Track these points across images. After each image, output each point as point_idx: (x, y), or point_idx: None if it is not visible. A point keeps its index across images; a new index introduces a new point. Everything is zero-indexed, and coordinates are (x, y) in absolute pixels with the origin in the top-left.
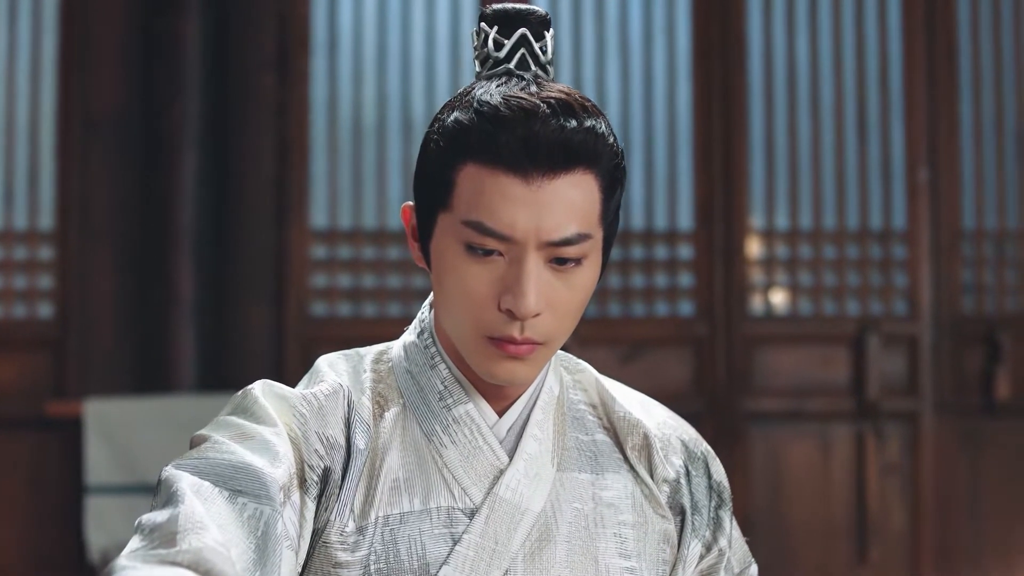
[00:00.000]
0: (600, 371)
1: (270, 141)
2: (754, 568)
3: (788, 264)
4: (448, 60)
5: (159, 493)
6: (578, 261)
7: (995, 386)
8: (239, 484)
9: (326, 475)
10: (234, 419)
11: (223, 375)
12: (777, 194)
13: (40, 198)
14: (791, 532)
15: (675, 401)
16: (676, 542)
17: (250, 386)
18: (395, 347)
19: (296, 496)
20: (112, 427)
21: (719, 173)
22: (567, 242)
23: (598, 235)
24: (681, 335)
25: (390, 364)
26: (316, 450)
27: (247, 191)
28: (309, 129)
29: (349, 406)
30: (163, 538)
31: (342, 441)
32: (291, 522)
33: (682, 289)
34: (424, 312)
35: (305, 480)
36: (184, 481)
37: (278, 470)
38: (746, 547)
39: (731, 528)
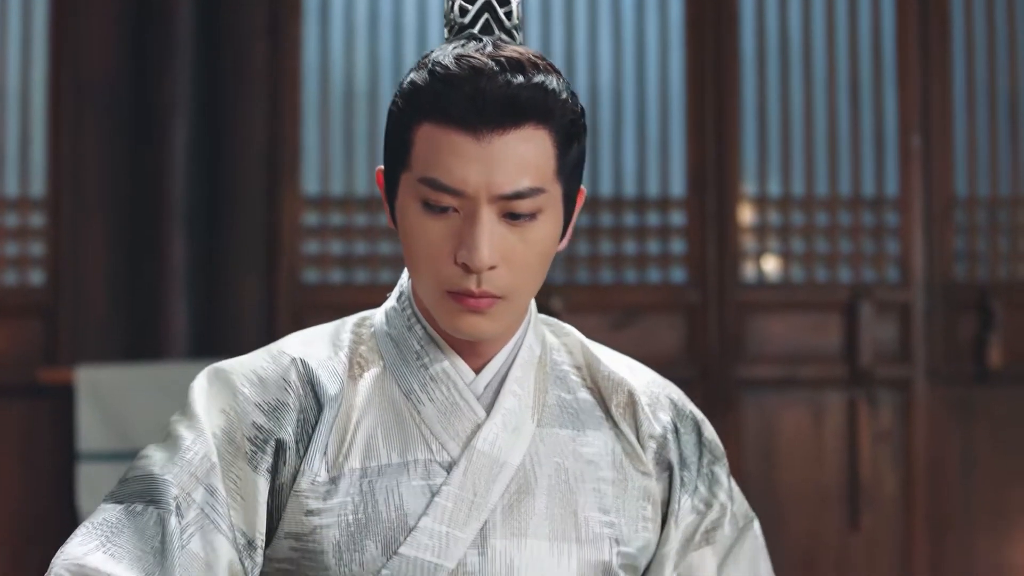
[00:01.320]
0: (591, 338)
1: (262, 108)
2: (756, 524)
3: (780, 231)
4: (440, 26)
5: (81, 524)
6: (533, 216)
7: (987, 353)
8: (145, 495)
9: (279, 444)
10: (172, 419)
11: (215, 341)
12: (769, 161)
13: (31, 165)
14: (783, 498)
15: (667, 368)
16: (661, 499)
17: (197, 377)
18: (378, 313)
19: (217, 478)
20: (104, 394)
21: (711, 140)
22: (519, 195)
23: (554, 190)
24: (673, 302)
25: (372, 329)
26: (254, 422)
27: (239, 158)
28: (301, 96)
29: (303, 366)
30: None
31: (289, 402)
32: (207, 505)
33: (674, 256)
34: (403, 277)
35: (249, 455)
36: (86, 525)
37: (175, 468)
38: (747, 503)
39: (729, 483)
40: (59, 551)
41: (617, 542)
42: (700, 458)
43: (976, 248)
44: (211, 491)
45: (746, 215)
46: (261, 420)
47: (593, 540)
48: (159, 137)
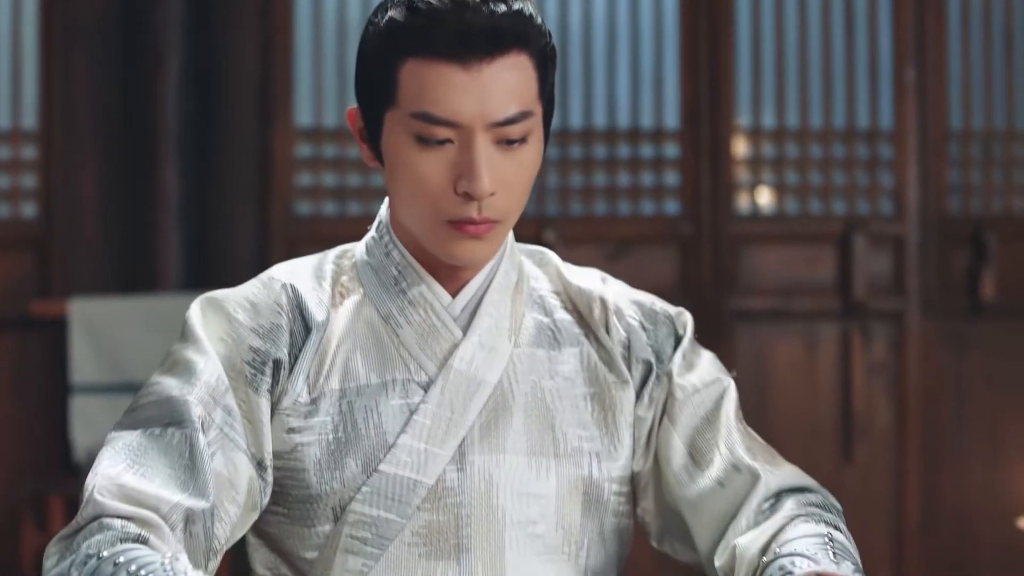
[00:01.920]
0: None
1: (254, 40)
2: (729, 383)
3: (774, 163)
4: None
5: (100, 453)
6: (523, 139)
7: (981, 286)
8: (164, 418)
9: (276, 364)
10: (174, 348)
11: (208, 273)
12: (764, 93)
13: (23, 97)
14: (776, 431)
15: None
16: (636, 398)
17: (191, 306)
18: (359, 245)
19: (231, 399)
20: (97, 326)
21: (705, 71)
22: (511, 121)
23: (538, 112)
24: (667, 234)
25: (353, 259)
26: (251, 346)
27: (231, 90)
28: (293, 27)
29: (293, 291)
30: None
31: (283, 324)
32: (226, 424)
33: (668, 188)
34: (381, 209)
35: (249, 378)
36: (107, 450)
37: (194, 389)
38: (717, 367)
39: (708, 364)
40: (92, 474)
41: (597, 456)
42: (674, 350)
43: (970, 181)
44: (228, 411)
45: (740, 147)
46: (257, 343)
47: (572, 454)
48: (151, 69)
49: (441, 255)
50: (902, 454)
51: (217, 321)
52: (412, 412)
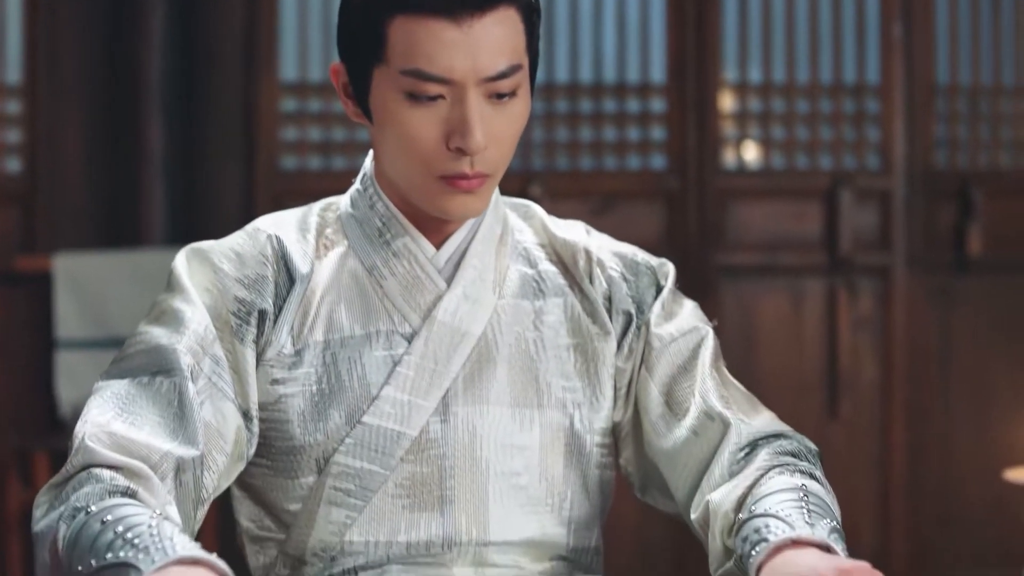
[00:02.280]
0: None
1: None
2: (707, 331)
3: (761, 118)
4: None
5: (88, 402)
6: (513, 93)
7: (967, 241)
8: (153, 366)
9: (262, 314)
10: (160, 298)
11: (193, 229)
12: (750, 47)
13: (7, 51)
14: (762, 386)
15: None
16: (624, 352)
17: (176, 257)
18: (343, 198)
19: (219, 348)
20: (82, 281)
21: (692, 25)
22: (502, 75)
23: (526, 66)
24: (653, 188)
25: (338, 212)
26: (236, 296)
27: (216, 44)
28: None
29: (278, 242)
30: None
31: (268, 274)
32: (214, 373)
33: (654, 142)
34: (365, 162)
35: (235, 328)
36: (96, 399)
37: (183, 338)
38: (698, 316)
39: (689, 314)
40: (81, 422)
41: (580, 407)
42: (655, 299)
43: (957, 136)
44: (216, 360)
45: (727, 102)
46: (243, 294)
47: (555, 405)
48: (136, 23)
49: (433, 210)
50: (888, 409)
51: (203, 271)
52: (396, 363)
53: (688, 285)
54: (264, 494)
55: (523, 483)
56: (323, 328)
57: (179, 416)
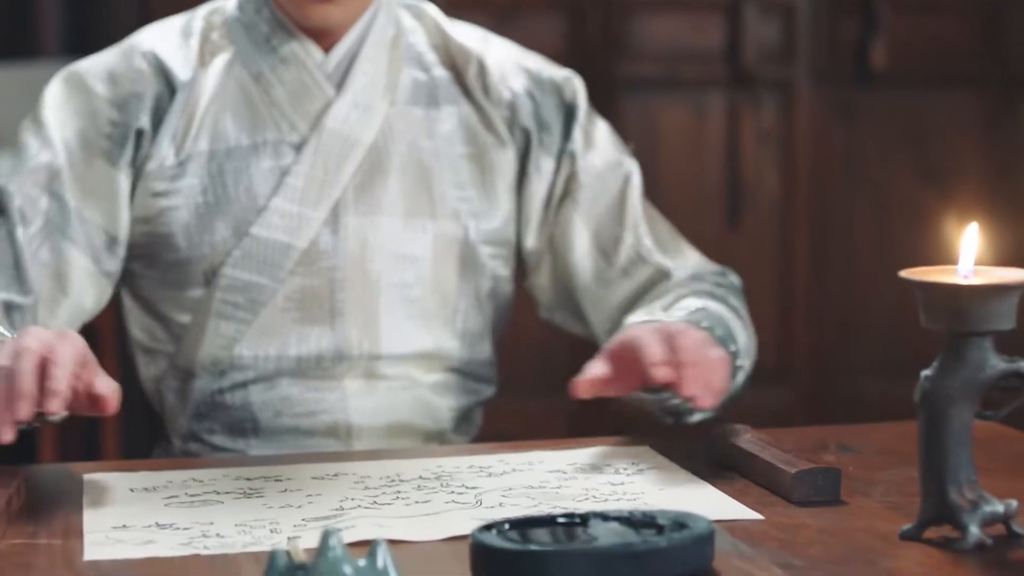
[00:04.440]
0: None
1: None
2: (632, 166)
3: None
4: None
5: None
6: None
7: (871, 55)
8: None
9: (139, 133)
10: (22, 123)
11: (88, 40)
12: None
13: None
14: (664, 198)
15: None
16: (519, 165)
17: (50, 82)
18: (230, 1)
19: (66, 185)
20: None
21: None
22: None
23: None
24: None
25: (224, 16)
26: (110, 119)
27: None
28: None
29: (154, 57)
30: None
31: (144, 91)
32: (54, 212)
33: None
34: None
35: (107, 151)
36: None
37: (17, 176)
38: (617, 145)
39: (601, 139)
40: None
41: (474, 216)
42: (563, 119)
43: None
44: (57, 198)
45: None
46: (116, 116)
47: (448, 215)
48: None
49: (297, 17)
50: (790, 222)
51: (75, 95)
52: (284, 174)
53: (590, 98)
54: (154, 305)
55: (415, 295)
56: (208, 138)
57: (12, 266)
